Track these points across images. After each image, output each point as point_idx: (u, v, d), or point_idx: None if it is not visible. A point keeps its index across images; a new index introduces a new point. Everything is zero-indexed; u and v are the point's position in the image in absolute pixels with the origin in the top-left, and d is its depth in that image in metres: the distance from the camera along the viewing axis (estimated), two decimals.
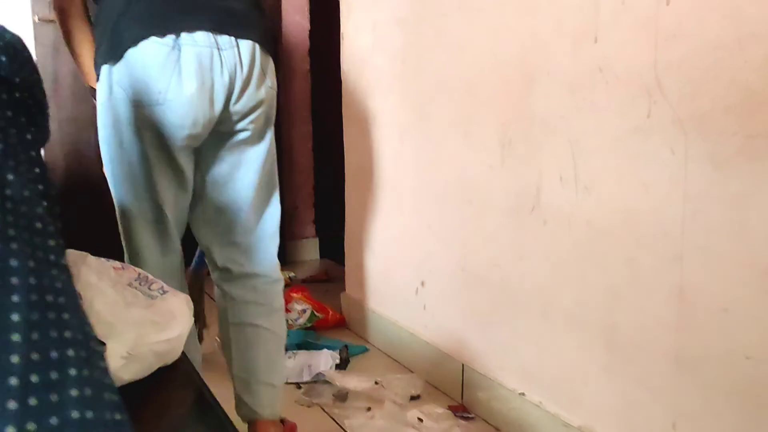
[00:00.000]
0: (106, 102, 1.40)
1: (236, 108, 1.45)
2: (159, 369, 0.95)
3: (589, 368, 1.53)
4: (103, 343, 0.86)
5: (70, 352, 0.33)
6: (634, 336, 1.42)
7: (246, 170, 1.55)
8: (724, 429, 1.25)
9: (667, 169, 1.31)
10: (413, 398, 1.97)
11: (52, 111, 2.93)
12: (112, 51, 1.36)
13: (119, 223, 1.52)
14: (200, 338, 2.08)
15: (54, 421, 0.30)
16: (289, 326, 2.52)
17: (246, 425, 1.64)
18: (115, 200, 1.51)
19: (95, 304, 0.87)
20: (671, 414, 1.35)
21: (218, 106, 1.42)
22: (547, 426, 1.65)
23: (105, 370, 0.35)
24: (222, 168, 1.55)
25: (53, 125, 2.82)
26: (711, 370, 1.27)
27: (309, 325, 2.54)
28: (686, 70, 1.26)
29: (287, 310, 2.64)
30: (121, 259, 1.55)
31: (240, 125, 1.49)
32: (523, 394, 1.73)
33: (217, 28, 1.38)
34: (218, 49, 1.37)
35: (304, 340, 2.37)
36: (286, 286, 2.90)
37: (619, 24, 1.39)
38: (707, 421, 1.28)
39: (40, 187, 0.45)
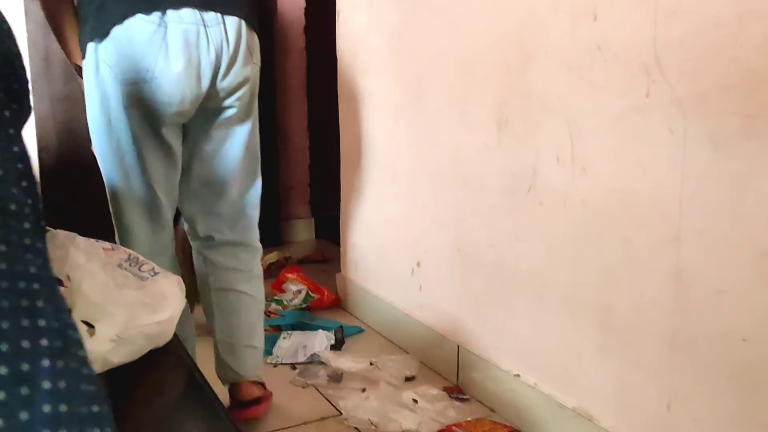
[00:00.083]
0: (93, 80, 1.39)
1: (223, 85, 1.46)
2: (150, 351, 0.94)
3: (584, 349, 1.53)
4: (92, 326, 0.84)
5: (44, 342, 0.31)
6: (630, 317, 1.41)
7: (232, 145, 1.58)
8: (718, 411, 1.25)
9: (666, 149, 1.29)
10: (408, 379, 1.97)
11: (44, 89, 2.90)
12: (98, 28, 1.35)
13: (109, 200, 1.52)
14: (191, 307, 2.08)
15: (24, 416, 0.28)
16: (284, 307, 2.52)
17: (226, 388, 1.71)
18: (104, 178, 1.51)
19: (84, 286, 0.86)
20: (666, 395, 1.35)
21: (205, 82, 1.42)
22: (541, 407, 1.65)
23: (83, 360, 0.34)
24: (209, 144, 1.56)
25: (45, 103, 2.80)
26: (706, 352, 1.26)
27: (304, 305, 2.53)
28: (686, 48, 1.24)
29: (282, 291, 2.64)
30: (114, 238, 1.55)
31: (227, 102, 1.50)
32: (518, 375, 1.73)
33: (203, 5, 1.37)
34: (204, 25, 1.37)
35: (299, 320, 2.36)
36: (282, 266, 2.93)
37: (618, 1, 1.36)
38: (702, 403, 1.28)
39: (19, 166, 0.43)
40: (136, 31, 1.33)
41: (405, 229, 2.18)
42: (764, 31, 1.11)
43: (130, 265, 0.98)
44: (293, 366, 2.07)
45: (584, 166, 1.48)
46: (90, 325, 0.83)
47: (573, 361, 1.57)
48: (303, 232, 3.63)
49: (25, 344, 0.30)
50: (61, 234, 0.94)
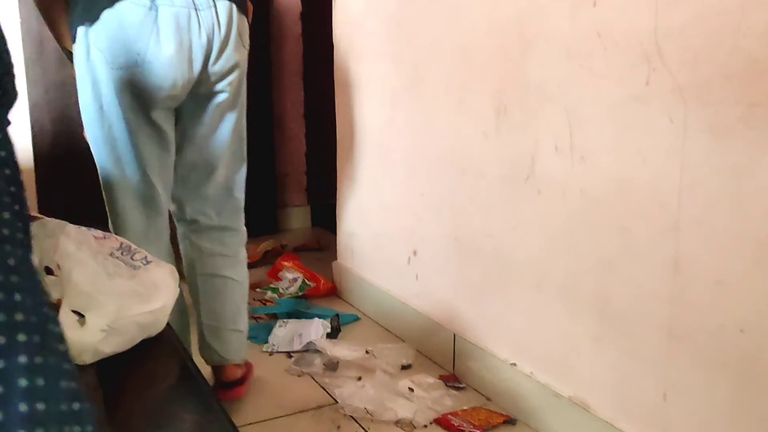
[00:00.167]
0: (84, 64, 1.38)
1: (214, 69, 1.45)
2: (143, 341, 0.93)
3: (581, 339, 1.52)
4: (83, 315, 0.83)
5: (21, 338, 0.30)
6: (627, 307, 1.40)
7: (222, 129, 1.58)
8: (715, 401, 1.24)
9: (665, 139, 1.28)
10: (404, 368, 1.96)
11: (38, 75, 2.87)
12: (88, 12, 1.34)
13: (102, 187, 1.51)
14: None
15: None
16: (279, 295, 2.51)
17: (209, 368, 1.75)
18: (97, 164, 1.50)
19: (74, 275, 0.84)
20: (663, 385, 1.34)
21: (197, 67, 1.41)
22: (538, 396, 1.64)
23: (63, 355, 0.32)
24: (201, 129, 1.56)
25: (39, 89, 2.77)
26: (704, 343, 1.25)
27: (300, 293, 2.53)
28: (687, 36, 1.22)
29: (278, 279, 2.63)
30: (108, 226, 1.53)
31: (218, 86, 1.50)
32: (514, 364, 1.73)
33: None
34: (195, 9, 1.36)
35: (295, 308, 2.35)
36: (277, 254, 2.91)
37: None
38: (699, 394, 1.27)
39: (2, 153, 0.42)
40: (126, 14, 1.31)
41: (402, 218, 2.17)
42: (766, 19, 1.10)
43: (122, 253, 0.96)
44: (289, 354, 2.06)
45: (583, 155, 1.47)
46: (80, 315, 0.82)
47: (570, 350, 1.56)
48: (299, 219, 3.61)
49: (1, 340, 0.29)
50: (52, 222, 0.93)
